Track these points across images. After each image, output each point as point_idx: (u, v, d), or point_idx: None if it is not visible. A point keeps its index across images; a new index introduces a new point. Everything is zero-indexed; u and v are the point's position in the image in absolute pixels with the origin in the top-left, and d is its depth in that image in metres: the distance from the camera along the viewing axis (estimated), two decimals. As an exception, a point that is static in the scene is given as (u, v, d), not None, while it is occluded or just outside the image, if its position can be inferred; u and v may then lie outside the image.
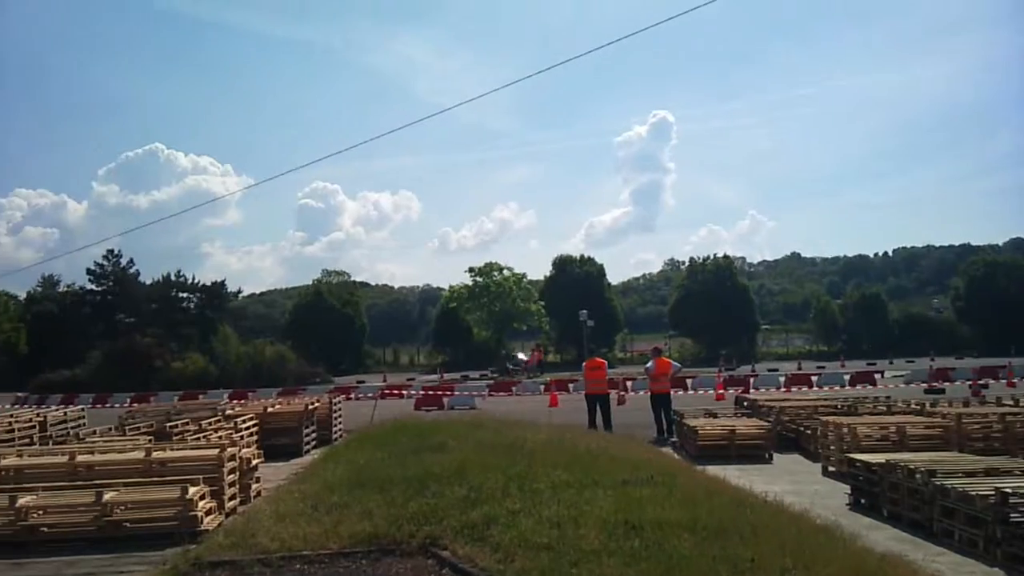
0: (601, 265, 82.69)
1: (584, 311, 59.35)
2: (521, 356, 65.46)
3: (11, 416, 20.35)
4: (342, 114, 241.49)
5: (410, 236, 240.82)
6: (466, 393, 34.75)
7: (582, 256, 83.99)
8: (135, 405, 30.86)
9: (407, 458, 12.79)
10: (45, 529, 9.75)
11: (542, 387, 37.73)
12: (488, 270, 75.05)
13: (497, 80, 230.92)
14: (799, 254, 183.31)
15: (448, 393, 34.01)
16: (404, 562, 7.98)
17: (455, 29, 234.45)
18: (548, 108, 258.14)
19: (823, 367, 50.45)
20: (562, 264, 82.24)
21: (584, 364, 21.76)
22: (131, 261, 79.01)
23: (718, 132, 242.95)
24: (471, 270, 75.71)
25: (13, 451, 13.57)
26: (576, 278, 79.12)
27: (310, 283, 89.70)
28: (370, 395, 33.51)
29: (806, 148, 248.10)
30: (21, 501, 9.66)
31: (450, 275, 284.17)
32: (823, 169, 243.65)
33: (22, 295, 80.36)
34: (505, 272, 74.90)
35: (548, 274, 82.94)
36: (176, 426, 16.54)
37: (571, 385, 36.64)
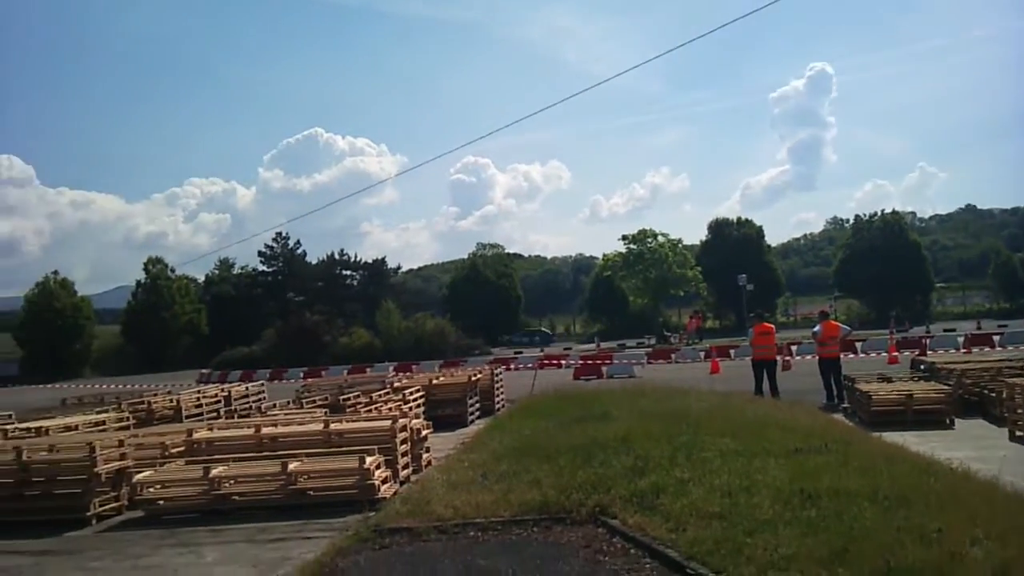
0: (759, 227, 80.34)
1: (743, 275, 57.82)
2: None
3: (199, 392, 21.77)
4: (491, 88, 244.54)
5: (561, 206, 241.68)
6: (624, 361, 34.60)
7: (739, 218, 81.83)
8: (308, 379, 32.34)
9: (571, 427, 12.86)
10: (237, 497, 10.37)
11: (702, 354, 37.11)
12: (642, 237, 74.18)
13: (645, 41, 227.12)
14: (974, 206, 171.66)
15: (606, 362, 33.97)
16: (574, 530, 8.04)
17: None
18: (698, 68, 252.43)
19: (1005, 325, 47.24)
20: (718, 227, 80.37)
21: (751, 329, 21.11)
22: (298, 242, 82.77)
23: (881, 82, 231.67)
24: (624, 237, 75.05)
25: (203, 425, 14.51)
26: (733, 241, 77.14)
27: (465, 257, 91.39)
28: (529, 365, 33.87)
29: (979, 93, 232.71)
30: (214, 472, 10.31)
31: (603, 243, 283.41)
32: (998, 115, 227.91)
33: (201, 278, 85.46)
34: (660, 238, 73.84)
35: (704, 238, 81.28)
36: (348, 399, 17.23)
37: (732, 351, 35.89)
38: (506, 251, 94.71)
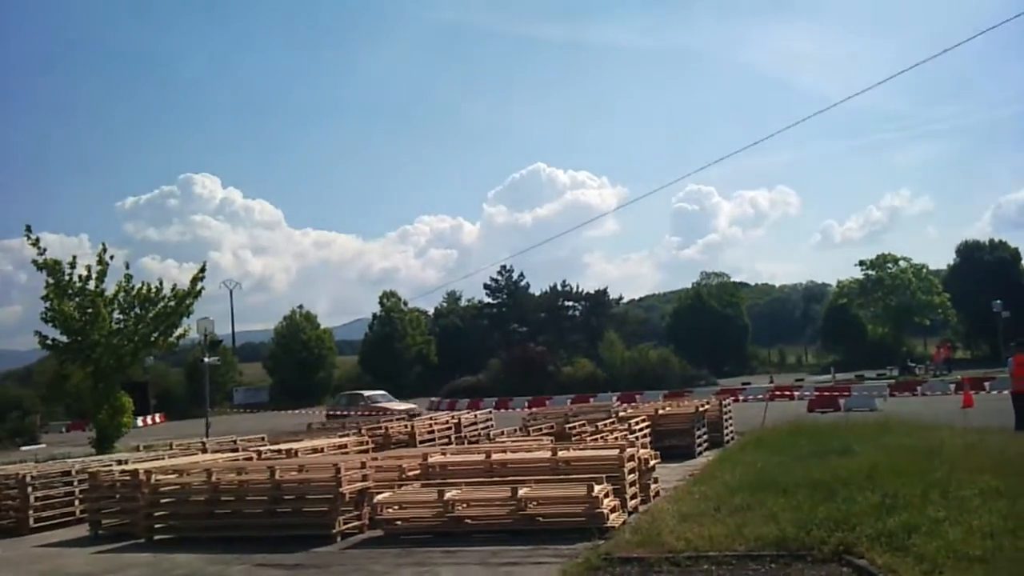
0: (1015, 249, 73.52)
1: (998, 301, 53.33)
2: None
3: (431, 419, 22.61)
4: (714, 115, 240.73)
5: (789, 232, 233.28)
6: (864, 394, 32.62)
7: (991, 240, 75.36)
8: (533, 408, 32.79)
9: (808, 461, 12.25)
10: (469, 520, 10.59)
11: (952, 386, 34.39)
12: (881, 262, 70.12)
13: (881, 61, 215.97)
14: None
15: (844, 394, 32.14)
16: (816, 569, 7.62)
17: (830, 15, 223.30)
18: (940, 82, 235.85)
19: None
20: (968, 250, 74.34)
21: (1011, 359, 19.38)
22: (521, 275, 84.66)
23: None
24: (862, 263, 71.15)
25: (437, 449, 15.00)
26: (985, 265, 70.90)
27: (688, 286, 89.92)
28: (759, 396, 32.69)
29: None
30: (448, 495, 10.59)
31: (836, 270, 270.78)
32: None
33: (431, 311, 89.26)
34: (901, 263, 69.51)
35: (951, 262, 75.45)
36: (574, 427, 17.28)
37: (987, 383, 33.01)
38: (731, 280, 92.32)
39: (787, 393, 34.96)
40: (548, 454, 12.27)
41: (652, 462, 12.69)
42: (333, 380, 79.30)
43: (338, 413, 36.45)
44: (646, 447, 14.26)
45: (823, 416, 24.07)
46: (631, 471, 11.53)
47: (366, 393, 39.55)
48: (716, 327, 74.12)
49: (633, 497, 11.51)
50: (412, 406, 35.86)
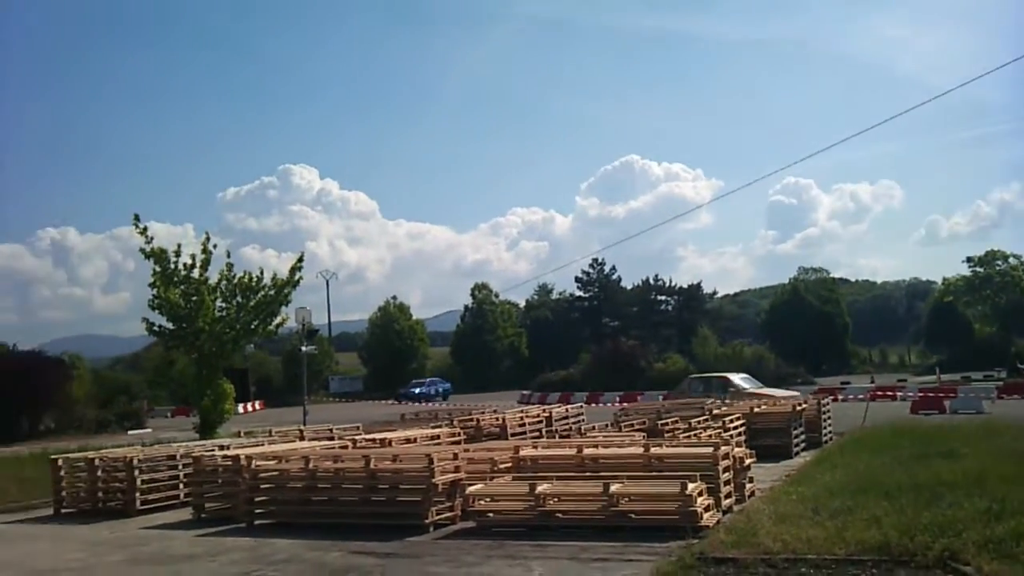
0: None
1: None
2: None
3: (522, 412, 22.64)
4: (813, 105, 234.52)
5: (892, 227, 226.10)
6: (971, 395, 31.40)
7: (1106, 238, 71.83)
8: (625, 404, 32.57)
9: (912, 464, 11.88)
10: (560, 515, 10.57)
11: (1067, 389, 32.86)
12: (990, 259, 67.54)
13: (991, 48, 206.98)
14: None
15: (949, 395, 31.01)
16: (919, 575, 7.33)
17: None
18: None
19: None
20: (1087, 247, 71.03)
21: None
22: (613, 268, 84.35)
23: None
24: (969, 260, 68.79)
25: (528, 443, 15.01)
26: (1111, 261, 67.73)
27: (785, 282, 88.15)
28: (860, 396, 31.78)
29: None
30: (540, 488, 10.58)
31: (942, 267, 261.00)
32: None
33: (522, 303, 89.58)
34: (1011, 260, 66.74)
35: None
36: (667, 424, 17.09)
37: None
38: (830, 275, 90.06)
39: (889, 393, 33.93)
40: (640, 450, 12.15)
41: (747, 461, 12.44)
42: (425, 371, 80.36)
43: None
44: (741, 446, 14.00)
45: (927, 418, 23.28)
46: (726, 470, 11.33)
47: (733, 377, 29.24)
48: (814, 324, 72.46)
49: (727, 496, 11.31)
50: (794, 393, 27.95)
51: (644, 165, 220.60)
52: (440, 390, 64.30)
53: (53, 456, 15.60)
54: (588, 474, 11.62)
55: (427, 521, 10.90)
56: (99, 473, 14.33)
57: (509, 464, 12.43)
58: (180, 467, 14.58)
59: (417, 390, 61.56)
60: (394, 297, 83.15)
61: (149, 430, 38.35)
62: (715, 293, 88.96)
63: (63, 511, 14.36)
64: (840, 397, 33.80)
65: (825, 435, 20.07)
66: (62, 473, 14.59)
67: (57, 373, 39.43)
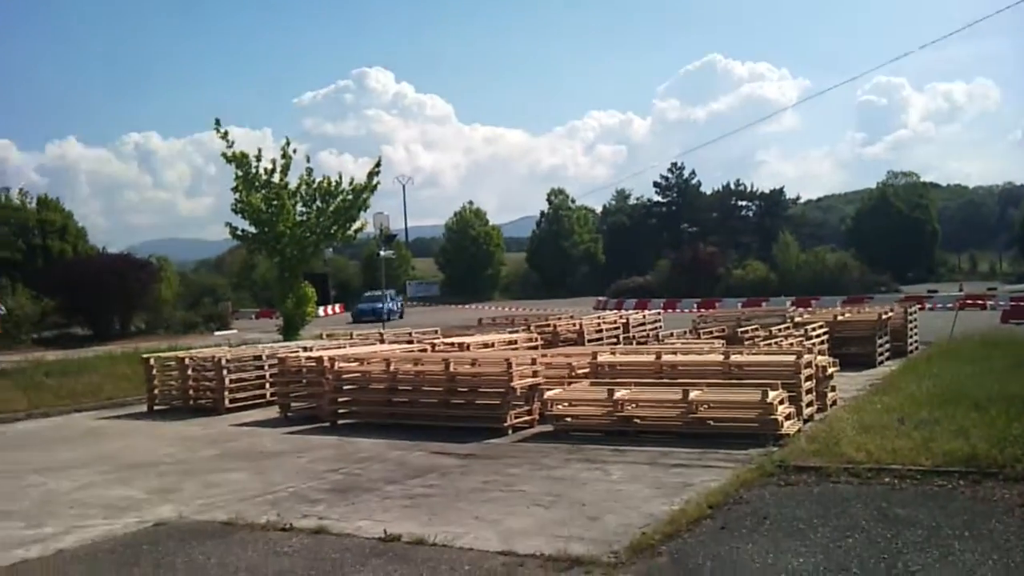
0: None
1: None
2: None
3: (599, 318, 22.62)
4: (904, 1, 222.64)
5: (988, 129, 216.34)
6: (1065, 305, 30.25)
7: None
8: (702, 310, 32.31)
9: (1003, 375, 11.50)
10: (638, 421, 10.59)
11: None
12: (1089, 162, 64.22)
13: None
14: None
15: (1042, 304, 29.93)
16: (1009, 488, 7.18)
17: None
18: None
19: None
20: None
21: None
22: (692, 172, 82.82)
23: None
24: (1067, 163, 65.47)
25: (606, 349, 15.00)
26: None
27: (872, 187, 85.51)
28: (948, 305, 30.92)
29: None
30: (618, 394, 10.58)
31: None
32: None
33: (599, 209, 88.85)
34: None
35: None
36: (746, 331, 16.87)
37: None
38: (921, 180, 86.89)
39: (979, 302, 32.93)
40: (720, 357, 12.04)
41: (830, 370, 12.23)
42: (501, 277, 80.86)
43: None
44: (823, 354, 13.76)
45: (1018, 328, 22.53)
46: (808, 378, 11.15)
47: None
48: (902, 231, 70.34)
49: (809, 405, 11.16)
50: None
51: (727, 65, 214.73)
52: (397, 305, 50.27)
53: (145, 355, 16.20)
54: (666, 381, 11.58)
55: (505, 424, 11.04)
56: (189, 372, 14.86)
57: (587, 369, 12.46)
58: (266, 367, 15.00)
59: (380, 305, 42.98)
60: (470, 202, 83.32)
61: (234, 331, 39.49)
62: (798, 198, 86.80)
63: (156, 408, 14.98)
64: (927, 306, 32.91)
65: (911, 345, 19.61)
66: (154, 372, 15.17)
67: (146, 275, 40.66)
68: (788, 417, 10.09)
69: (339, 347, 16.07)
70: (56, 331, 37.05)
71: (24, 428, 13.73)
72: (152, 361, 15.32)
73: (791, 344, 14.93)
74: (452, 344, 15.95)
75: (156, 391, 15.16)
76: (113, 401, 15.85)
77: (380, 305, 42.54)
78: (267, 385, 14.88)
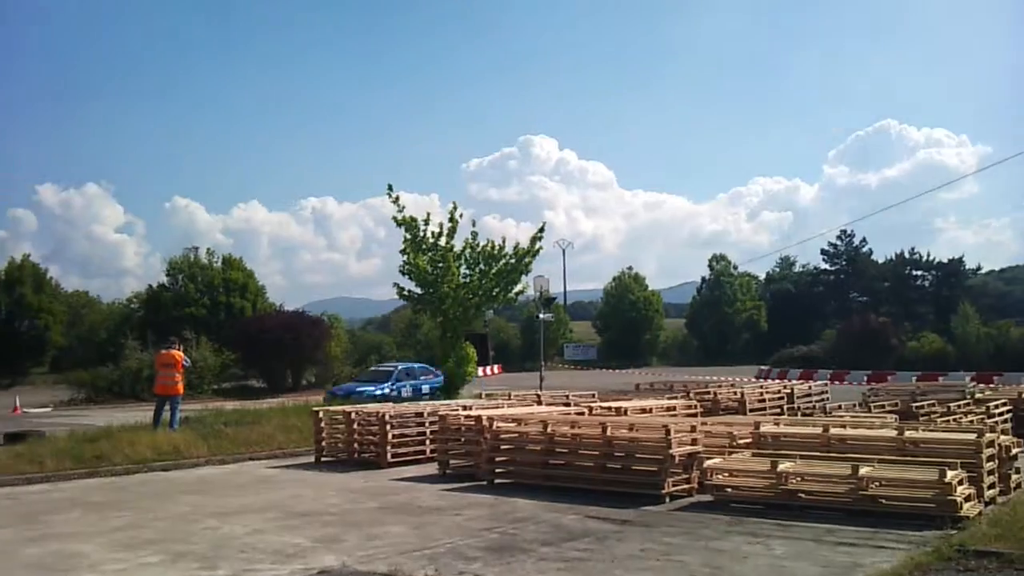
0: None
1: None
2: None
3: (761, 387, 22.00)
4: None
5: None
6: None
7: None
8: (873, 383, 30.84)
9: None
10: (803, 495, 10.17)
11: None
12: None
13: None
14: None
15: None
16: None
17: None
18: None
19: None
20: None
21: None
22: (863, 240, 79.88)
23: None
24: None
25: (769, 419, 14.55)
26: None
27: (1063, 256, 79.89)
28: None
29: None
30: (782, 466, 10.23)
31: None
32: None
33: (762, 276, 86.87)
34: None
35: None
36: (922, 407, 16.01)
37: None
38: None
39: None
40: (893, 433, 11.45)
41: (1014, 450, 11.41)
42: (660, 342, 79.96)
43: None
44: (1007, 433, 12.87)
45: None
46: (989, 458, 10.45)
47: None
48: (1096, 303, 65.19)
49: (991, 487, 10.43)
50: None
51: (902, 130, 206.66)
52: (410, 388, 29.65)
53: (315, 408, 16.91)
54: (834, 455, 11.10)
55: (663, 492, 10.84)
56: (355, 426, 15.38)
57: (749, 439, 12.11)
58: (427, 424, 15.35)
59: (374, 387, 28.41)
60: (629, 267, 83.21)
61: (398, 389, 40.59)
62: (979, 268, 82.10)
63: (323, 459, 15.56)
64: None
65: None
66: (323, 425, 15.80)
67: (318, 332, 42.70)
68: (967, 499, 9.46)
69: (497, 407, 16.28)
70: (234, 382, 39.32)
71: (203, 473, 14.53)
72: (321, 415, 15.97)
73: (971, 422, 14.06)
74: (609, 408, 15.86)
75: (324, 443, 15.77)
76: (284, 451, 16.58)
77: (374, 388, 28.15)
78: (427, 442, 15.20)
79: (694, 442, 11.48)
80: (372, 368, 35.62)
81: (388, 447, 14.75)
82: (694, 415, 15.99)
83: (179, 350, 18.67)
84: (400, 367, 31.32)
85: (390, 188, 25.70)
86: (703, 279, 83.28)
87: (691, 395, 19.54)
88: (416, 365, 32.62)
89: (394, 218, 25.42)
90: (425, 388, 29.17)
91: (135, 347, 36.77)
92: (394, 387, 28.53)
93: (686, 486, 11.23)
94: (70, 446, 15.09)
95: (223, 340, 39.47)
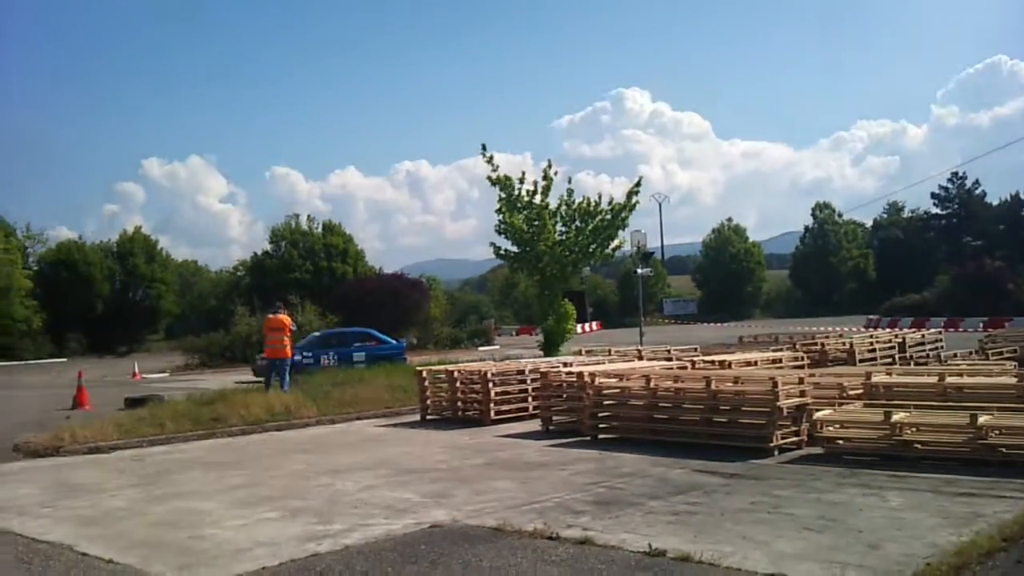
0: None
1: None
2: None
3: (871, 336, 21.37)
4: None
5: None
6: None
7: None
8: (989, 329, 29.66)
9: None
10: (918, 446, 9.85)
11: None
12: None
13: None
14: None
15: None
16: None
17: None
18: None
19: None
20: None
21: None
22: (976, 182, 76.46)
23: None
24: None
25: (879, 369, 14.13)
26: None
27: None
28: None
29: None
30: (895, 417, 9.92)
31: None
32: None
33: (868, 223, 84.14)
34: None
35: None
36: (1044, 352, 15.31)
37: None
38: None
39: None
40: (1014, 380, 10.99)
41: None
42: (762, 294, 78.55)
43: None
44: None
45: None
46: (1120, 404, 9.94)
47: None
48: None
49: (1122, 435, 9.92)
50: None
51: (1014, 66, 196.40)
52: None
53: (418, 368, 17.19)
54: (950, 404, 10.73)
55: (771, 444, 10.64)
56: (458, 384, 15.58)
57: (860, 390, 11.82)
58: (528, 382, 15.43)
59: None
60: (729, 219, 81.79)
61: (497, 347, 41.02)
62: (1102, 207, 77.73)
63: (428, 417, 15.84)
64: None
65: None
66: (427, 384, 16.06)
67: (418, 294, 43.35)
68: (1097, 447, 9.03)
69: (598, 363, 16.24)
70: (339, 345, 40.16)
71: (314, 432, 14.97)
72: (424, 374, 16.23)
73: (1099, 367, 13.39)
74: (713, 362, 15.65)
75: (428, 402, 16.03)
76: (390, 410, 16.92)
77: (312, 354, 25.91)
78: (529, 399, 15.30)
79: (802, 394, 11.22)
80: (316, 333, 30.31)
81: (491, 404, 14.89)
82: (801, 367, 15.65)
83: (286, 314, 19.21)
84: (318, 334, 29.33)
85: (484, 148, 25.70)
86: (806, 228, 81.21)
87: (797, 347, 19.15)
88: (353, 330, 29.78)
89: (488, 178, 25.45)
90: (359, 356, 26.03)
91: (244, 313, 38.05)
92: (312, 355, 25.82)
93: (795, 439, 11.00)
94: (188, 409, 15.74)
95: (327, 304, 40.43)
